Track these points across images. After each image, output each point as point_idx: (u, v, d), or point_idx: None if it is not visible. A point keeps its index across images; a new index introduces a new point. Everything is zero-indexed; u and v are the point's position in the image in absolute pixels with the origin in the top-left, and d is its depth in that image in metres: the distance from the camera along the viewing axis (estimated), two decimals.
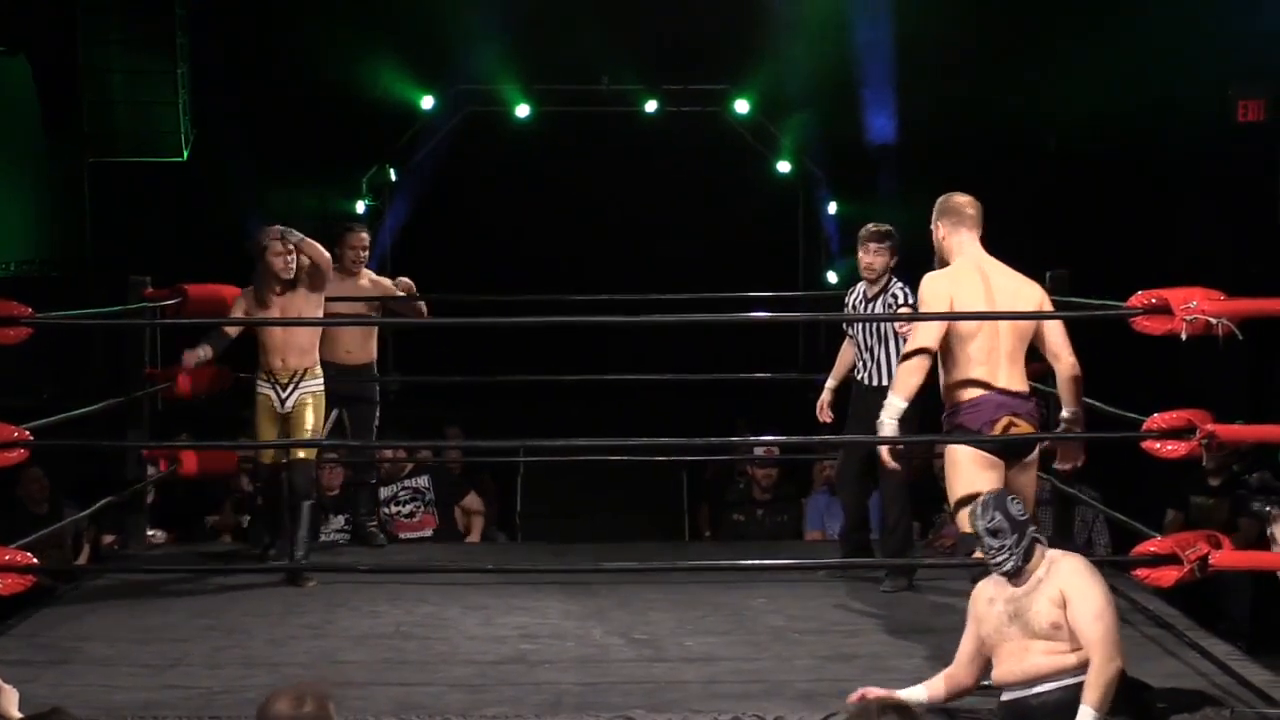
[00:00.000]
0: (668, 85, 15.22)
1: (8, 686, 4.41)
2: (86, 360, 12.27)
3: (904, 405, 6.26)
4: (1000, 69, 13.85)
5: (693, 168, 15.04)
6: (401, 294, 9.14)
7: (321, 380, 8.17)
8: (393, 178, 15.38)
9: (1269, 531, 6.15)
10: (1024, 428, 6.12)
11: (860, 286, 8.21)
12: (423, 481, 10.06)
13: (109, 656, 6.60)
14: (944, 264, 6.36)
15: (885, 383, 7.59)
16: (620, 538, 9.50)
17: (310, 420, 8.09)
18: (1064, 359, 6.29)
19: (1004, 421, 6.09)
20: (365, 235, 9.14)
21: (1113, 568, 7.51)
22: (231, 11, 14.22)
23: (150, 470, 8.95)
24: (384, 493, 9.79)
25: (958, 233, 6.34)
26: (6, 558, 5.96)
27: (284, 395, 8.05)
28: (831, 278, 15.31)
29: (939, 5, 13.74)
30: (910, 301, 7.64)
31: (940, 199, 6.42)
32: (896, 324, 7.71)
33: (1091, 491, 8.46)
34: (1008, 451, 6.13)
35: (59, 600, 7.67)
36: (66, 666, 6.42)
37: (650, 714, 5.67)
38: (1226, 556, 5.87)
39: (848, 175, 15.21)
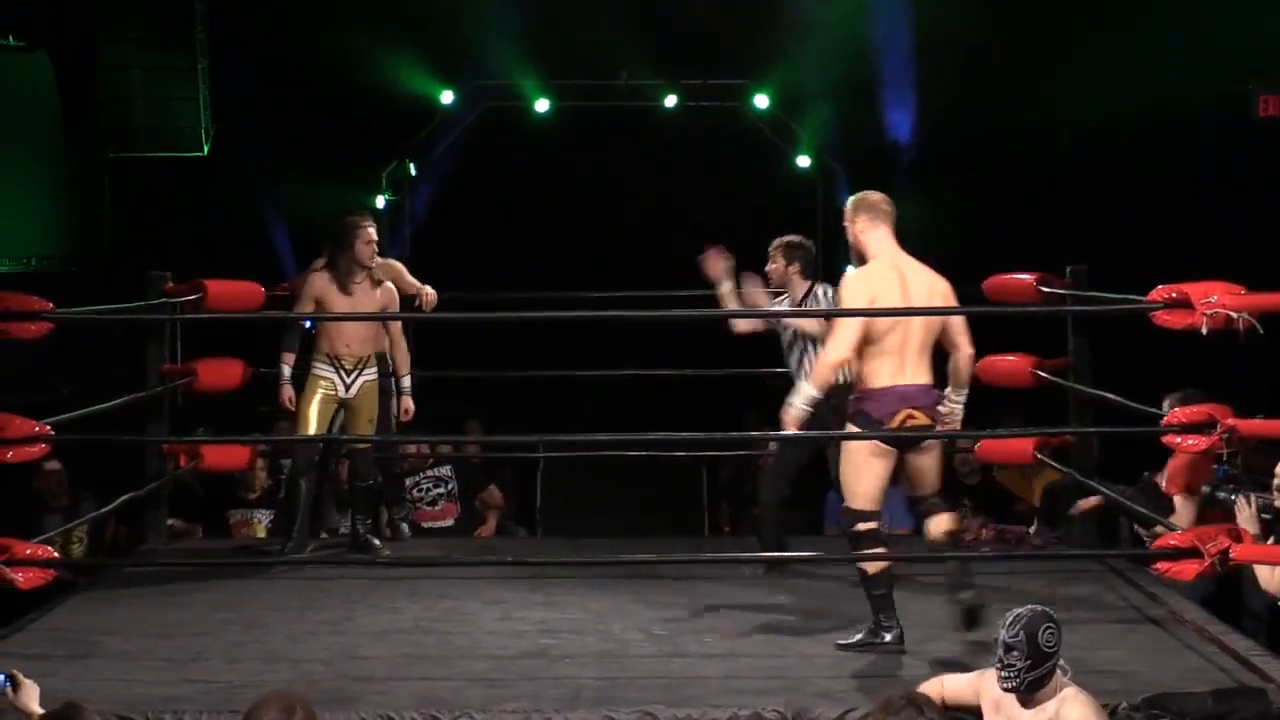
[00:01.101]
0: (687, 80, 15.18)
1: (28, 681, 4.42)
2: (106, 355, 12.29)
3: (817, 396, 6.53)
4: (1018, 66, 13.81)
5: (711, 163, 15.01)
6: (415, 283, 8.99)
7: (377, 370, 8.40)
8: (412, 173, 15.38)
9: (1236, 519, 6.21)
10: (921, 419, 6.38)
11: (784, 298, 8.44)
12: (445, 471, 10.09)
13: (129, 650, 6.61)
14: (860, 259, 6.57)
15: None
16: (640, 533, 9.50)
17: (373, 409, 8.36)
18: (963, 347, 6.54)
19: (902, 414, 6.35)
20: (373, 230, 8.96)
21: (1133, 561, 7.52)
22: (250, 7, 14.22)
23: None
24: (407, 482, 9.82)
25: (875, 228, 6.54)
26: (27, 551, 5.97)
27: (349, 380, 8.25)
28: (850, 271, 15.29)
29: (958, 3, 13.70)
30: (831, 299, 8.02)
31: (855, 196, 6.67)
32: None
33: (1117, 486, 8.44)
34: (901, 442, 6.42)
35: (79, 594, 7.68)
36: (86, 660, 6.44)
37: (669, 709, 5.66)
38: (1247, 550, 5.84)
39: (866, 171, 15.16)
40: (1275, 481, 6.69)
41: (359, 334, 8.27)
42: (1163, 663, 6.18)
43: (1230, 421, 5.89)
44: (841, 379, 7.82)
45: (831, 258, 15.61)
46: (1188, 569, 5.82)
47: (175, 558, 8.54)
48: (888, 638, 6.45)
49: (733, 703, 5.70)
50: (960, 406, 6.62)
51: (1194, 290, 5.86)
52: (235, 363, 8.75)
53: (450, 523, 9.99)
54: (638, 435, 8.20)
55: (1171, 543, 5.91)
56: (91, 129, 14.21)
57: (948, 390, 6.59)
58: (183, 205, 14.16)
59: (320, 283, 8.22)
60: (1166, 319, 5.94)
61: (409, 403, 8.71)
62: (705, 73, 15.10)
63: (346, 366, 8.24)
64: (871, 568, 6.46)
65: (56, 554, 6.35)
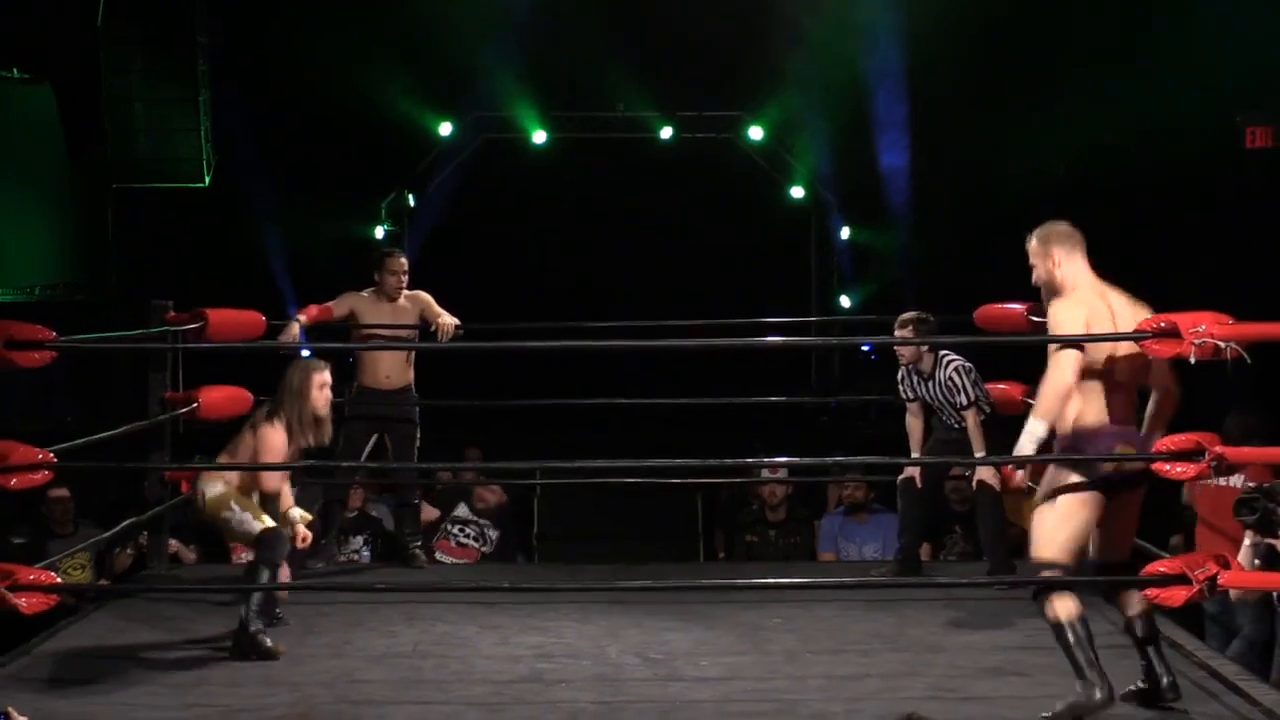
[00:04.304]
0: (682, 112, 15.26)
1: (21, 718, 4.35)
2: (109, 383, 12.30)
3: (1044, 432, 5.87)
4: (1011, 98, 13.87)
5: (707, 193, 15.07)
6: (444, 312, 9.08)
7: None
8: (411, 203, 15.42)
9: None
10: (1138, 465, 5.91)
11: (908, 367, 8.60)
12: (489, 526, 10.15)
13: (131, 675, 6.60)
14: (1052, 293, 6.03)
15: (963, 425, 8.37)
16: (636, 559, 9.50)
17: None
18: (1168, 386, 6.08)
19: (1120, 451, 5.86)
20: (404, 260, 9.10)
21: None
22: (252, 41, 14.27)
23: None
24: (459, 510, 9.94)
25: (1073, 259, 6.01)
26: (31, 577, 5.96)
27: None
28: (844, 302, 15.32)
29: (950, 36, 13.76)
30: (968, 378, 8.32)
31: (1044, 228, 6.06)
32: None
33: None
34: (1118, 487, 5.92)
35: (83, 619, 7.68)
36: (89, 685, 6.43)
37: None
38: (1235, 577, 5.84)
39: (860, 201, 15.23)
40: None
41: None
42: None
43: (1219, 450, 5.89)
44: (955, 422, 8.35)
45: (825, 286, 15.69)
46: (1176, 595, 5.81)
47: (177, 583, 8.52)
48: (1097, 695, 5.72)
49: None
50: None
51: (1182, 320, 5.86)
52: (243, 391, 8.75)
53: (466, 563, 10.04)
54: (633, 463, 8.18)
55: (1160, 569, 5.91)
56: (95, 160, 14.26)
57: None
58: (185, 235, 14.20)
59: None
60: (1156, 348, 5.92)
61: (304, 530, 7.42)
62: (701, 105, 15.18)
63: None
64: (1063, 616, 5.81)
65: (59, 579, 6.34)
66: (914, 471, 8.53)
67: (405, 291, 9.06)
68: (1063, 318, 5.90)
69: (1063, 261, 6.00)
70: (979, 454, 8.25)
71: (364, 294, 9.01)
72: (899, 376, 8.64)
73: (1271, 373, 6.60)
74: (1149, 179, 13.55)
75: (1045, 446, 5.94)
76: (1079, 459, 5.84)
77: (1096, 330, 5.88)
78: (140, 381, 8.84)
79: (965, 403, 8.32)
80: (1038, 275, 6.05)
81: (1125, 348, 5.91)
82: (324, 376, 7.27)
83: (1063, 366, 5.81)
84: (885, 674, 6.55)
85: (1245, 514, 6.13)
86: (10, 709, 4.36)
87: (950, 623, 7.48)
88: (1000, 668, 6.60)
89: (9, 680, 6.51)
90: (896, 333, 8.46)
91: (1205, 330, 5.81)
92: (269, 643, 6.86)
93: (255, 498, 7.16)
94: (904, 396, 8.65)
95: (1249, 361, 5.84)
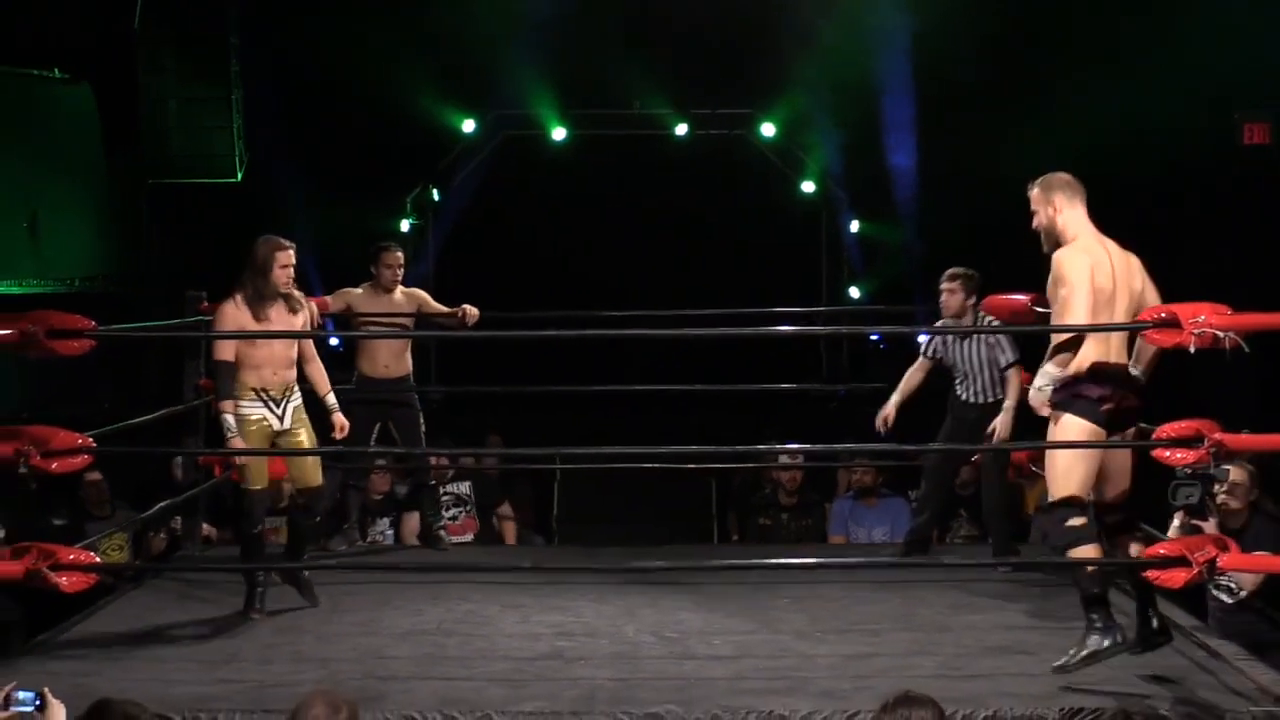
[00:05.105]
0: (697, 109, 15.24)
1: (56, 701, 4.32)
2: (145, 371, 12.31)
3: (1059, 373, 5.91)
4: (1013, 98, 13.83)
5: (720, 188, 15.05)
6: (442, 308, 9.12)
7: (300, 398, 7.38)
8: (435, 198, 15.42)
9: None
10: (1133, 403, 5.97)
11: (946, 323, 8.54)
12: (464, 488, 10.08)
13: (165, 652, 6.63)
14: (1054, 243, 6.03)
15: (985, 399, 8.35)
16: (652, 541, 9.49)
17: (310, 440, 7.34)
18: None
19: (1118, 397, 5.90)
20: (400, 254, 9.09)
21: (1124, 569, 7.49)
22: (282, 41, 14.27)
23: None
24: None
25: (1074, 206, 6.04)
26: (70, 557, 5.97)
27: (279, 411, 7.22)
28: (854, 293, 15.30)
29: (956, 35, 13.73)
30: (1008, 338, 8.28)
31: (1044, 177, 6.08)
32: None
33: None
34: (1114, 425, 5.95)
35: (119, 598, 7.70)
36: (126, 661, 6.45)
37: (680, 709, 5.65)
38: (1234, 559, 5.83)
39: (869, 196, 15.20)
40: (1221, 487, 6.71)
41: (284, 359, 7.27)
42: (1155, 667, 6.16)
43: (1218, 436, 5.87)
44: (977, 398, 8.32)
45: (835, 279, 15.66)
46: (1176, 577, 5.80)
47: (209, 564, 8.53)
48: (1106, 642, 5.84)
49: (740, 703, 5.69)
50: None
51: (1182, 310, 5.84)
52: None
53: (470, 538, 9.98)
54: (650, 449, 8.19)
55: (1161, 551, 5.90)
56: (131, 157, 14.27)
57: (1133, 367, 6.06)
58: (217, 229, 14.19)
59: (238, 313, 7.25)
60: (1156, 338, 5.90)
61: (341, 419, 7.66)
62: (714, 102, 15.15)
63: (275, 396, 7.20)
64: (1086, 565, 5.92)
65: (97, 559, 6.35)
66: (889, 410, 8.54)
67: (402, 287, 9.05)
68: (1069, 265, 5.90)
69: (1064, 208, 6.04)
70: (1012, 413, 8.19)
71: (359, 289, 8.99)
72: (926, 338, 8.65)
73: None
74: (1147, 175, 13.49)
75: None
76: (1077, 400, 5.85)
77: (1099, 279, 5.88)
78: (174, 369, 8.85)
79: (1009, 361, 8.28)
80: (1038, 221, 6.08)
81: (1121, 296, 5.93)
82: (288, 256, 7.20)
83: (1076, 308, 5.83)
84: (893, 653, 6.55)
85: (1183, 498, 6.19)
86: (46, 689, 4.33)
87: (957, 603, 7.46)
88: (1007, 646, 6.59)
89: (50, 655, 6.54)
90: (943, 286, 8.49)
91: (1204, 320, 5.79)
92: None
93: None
94: (924, 352, 8.62)
95: (1247, 350, 5.82)
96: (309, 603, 7.40)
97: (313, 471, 7.35)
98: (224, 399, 7.14)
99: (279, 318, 7.23)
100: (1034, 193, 6.08)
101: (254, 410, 7.18)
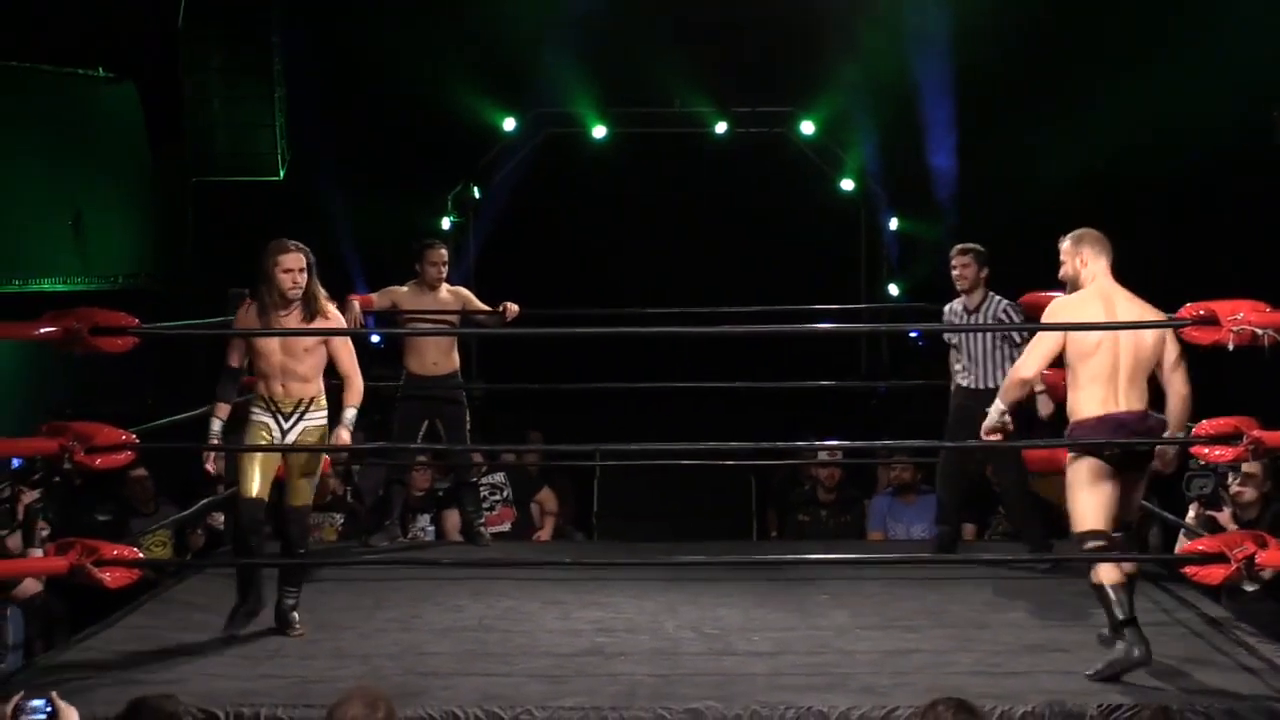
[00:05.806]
0: (736, 107, 15.22)
1: (68, 706, 4.31)
2: (188, 368, 12.37)
3: (1004, 409, 6.38)
4: (1051, 98, 13.79)
5: (760, 186, 15.03)
6: (485, 307, 9.15)
7: (326, 414, 7.01)
8: (476, 195, 15.45)
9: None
10: (1143, 449, 6.12)
11: (956, 303, 8.46)
12: (499, 478, 10.11)
13: (209, 647, 6.66)
14: (1074, 289, 6.31)
15: (985, 385, 8.20)
16: (691, 538, 9.50)
17: (312, 463, 6.95)
18: (1175, 385, 6.19)
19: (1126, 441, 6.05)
20: (444, 251, 9.12)
21: (1162, 565, 7.47)
22: (324, 40, 14.32)
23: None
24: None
25: (1098, 260, 6.26)
26: (115, 553, 6.01)
27: (285, 426, 6.92)
28: (893, 290, 15.27)
29: (994, 35, 13.70)
30: (1019, 317, 8.25)
31: (1078, 232, 6.33)
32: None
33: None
34: (1125, 466, 6.07)
35: (162, 594, 7.74)
36: (169, 657, 6.48)
37: (720, 705, 5.65)
38: (1273, 556, 5.79)
39: (908, 194, 15.16)
40: (1235, 479, 6.77)
41: (293, 373, 6.95)
42: (1194, 666, 6.14)
43: (1256, 433, 5.85)
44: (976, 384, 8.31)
45: (874, 275, 15.63)
46: (1214, 573, 5.78)
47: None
48: (1136, 653, 5.91)
49: (779, 699, 5.69)
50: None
51: (1221, 308, 5.82)
52: None
53: (507, 527, 10.01)
54: (690, 445, 8.19)
55: (1200, 547, 5.87)
56: (175, 155, 14.33)
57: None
58: (260, 226, 14.19)
59: (248, 318, 7.13)
60: (1195, 335, 5.89)
61: (342, 435, 6.99)
62: (754, 100, 15.14)
63: (284, 410, 6.92)
64: (1107, 579, 6.04)
65: (141, 555, 6.39)
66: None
67: (447, 285, 9.07)
68: (1049, 313, 6.28)
69: (1090, 261, 6.27)
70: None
71: (404, 287, 9.05)
72: (944, 314, 8.62)
73: None
74: (1184, 172, 13.43)
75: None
76: (1085, 443, 6.05)
77: (1076, 332, 6.10)
78: (217, 366, 8.87)
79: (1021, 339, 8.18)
80: (1064, 271, 6.35)
81: (1127, 343, 6.06)
82: (291, 259, 6.94)
83: (1030, 356, 6.28)
84: (932, 649, 6.54)
85: (1197, 489, 6.37)
86: (54, 694, 4.31)
87: (995, 600, 7.45)
88: (1043, 644, 6.57)
89: (94, 650, 6.57)
90: (955, 260, 8.55)
91: (1243, 318, 5.77)
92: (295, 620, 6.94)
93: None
94: (947, 339, 8.70)
95: None
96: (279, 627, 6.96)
97: (302, 490, 6.96)
98: (217, 401, 7.09)
99: (292, 326, 6.90)
100: (1065, 245, 6.36)
101: (259, 416, 6.97)
